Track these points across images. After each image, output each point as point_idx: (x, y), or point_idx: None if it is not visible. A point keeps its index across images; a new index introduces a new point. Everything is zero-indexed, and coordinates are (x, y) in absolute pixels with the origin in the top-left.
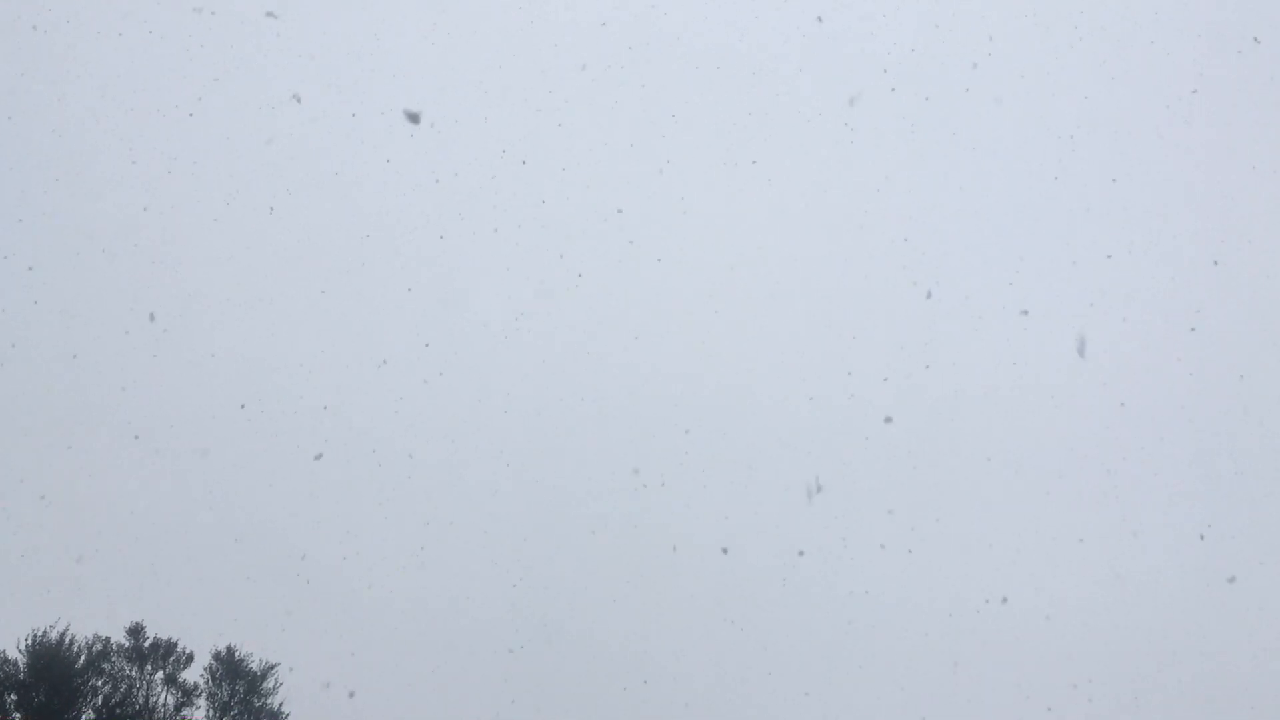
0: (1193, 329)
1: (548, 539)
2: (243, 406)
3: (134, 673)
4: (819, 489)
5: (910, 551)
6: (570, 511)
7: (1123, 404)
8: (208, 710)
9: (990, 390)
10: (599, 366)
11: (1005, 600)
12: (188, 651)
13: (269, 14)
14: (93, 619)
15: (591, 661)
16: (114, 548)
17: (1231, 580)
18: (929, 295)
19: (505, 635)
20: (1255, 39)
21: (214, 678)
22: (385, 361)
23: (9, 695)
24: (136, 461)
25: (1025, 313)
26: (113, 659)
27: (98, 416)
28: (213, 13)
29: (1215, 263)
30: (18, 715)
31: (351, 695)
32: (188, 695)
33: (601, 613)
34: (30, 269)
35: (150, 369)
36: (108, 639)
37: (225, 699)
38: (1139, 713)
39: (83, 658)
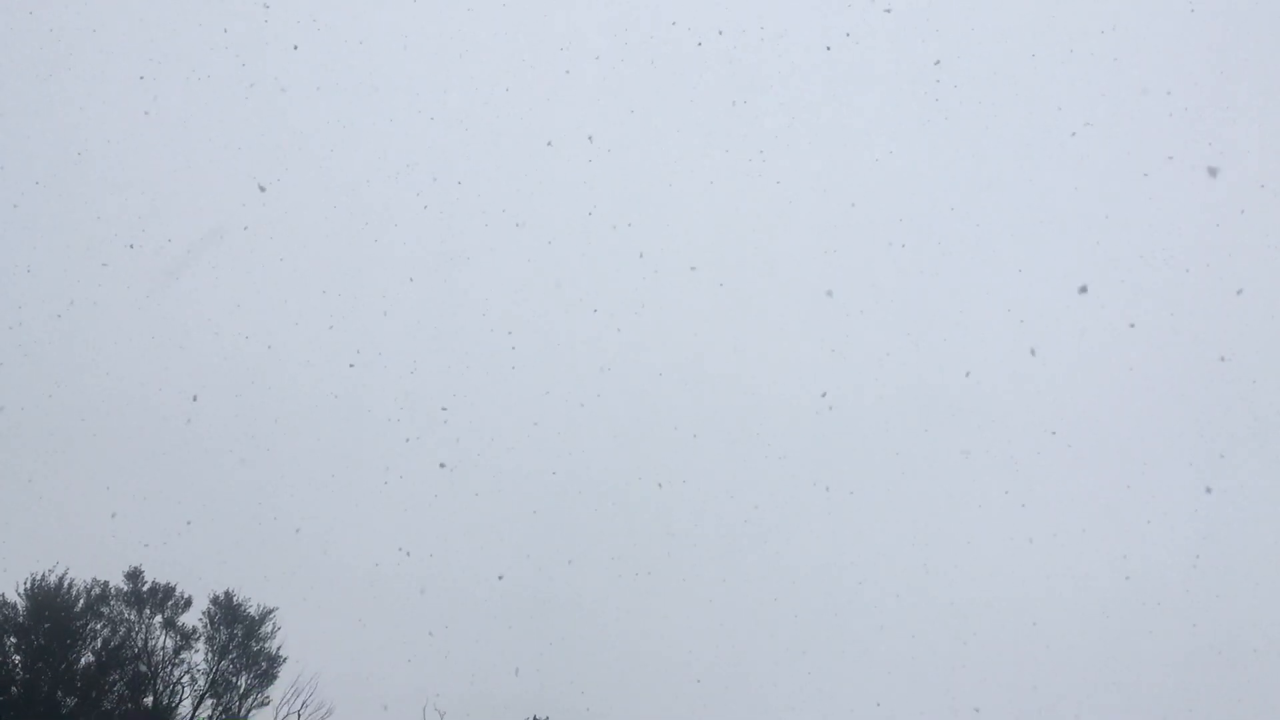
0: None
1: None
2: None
3: (133, 616)
4: (828, 487)
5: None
6: (578, 502)
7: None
8: (206, 653)
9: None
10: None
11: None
12: (186, 596)
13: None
14: (90, 564)
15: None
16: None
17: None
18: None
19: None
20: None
21: (212, 622)
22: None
23: (8, 638)
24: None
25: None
26: (111, 603)
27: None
28: None
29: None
30: (17, 657)
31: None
32: (186, 639)
33: (605, 596)
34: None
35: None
36: (106, 583)
37: (224, 642)
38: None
39: (81, 601)
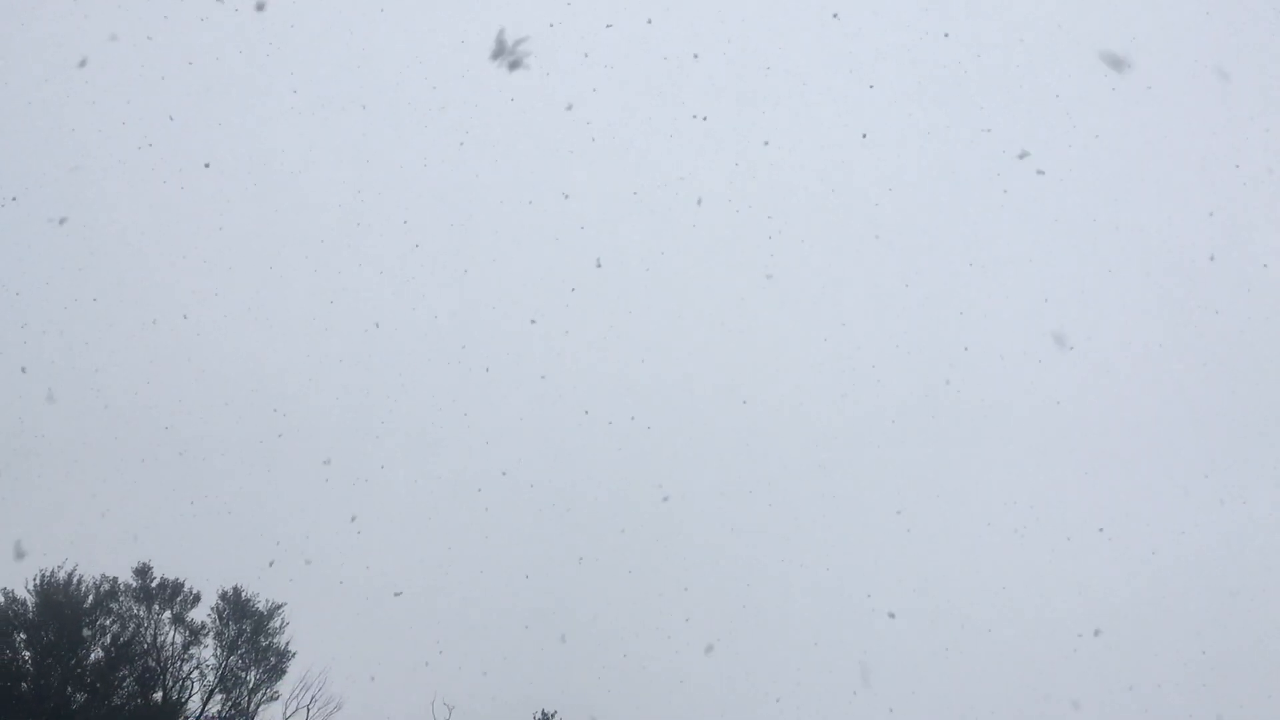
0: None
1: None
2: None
3: (142, 612)
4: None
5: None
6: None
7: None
8: (215, 649)
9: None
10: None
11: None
12: (195, 592)
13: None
14: (99, 559)
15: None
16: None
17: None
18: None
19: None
20: None
21: (221, 617)
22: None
23: (18, 634)
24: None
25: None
26: (120, 599)
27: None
28: None
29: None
30: (27, 654)
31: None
32: (195, 634)
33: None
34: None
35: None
36: (115, 579)
37: (232, 638)
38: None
39: (90, 597)
